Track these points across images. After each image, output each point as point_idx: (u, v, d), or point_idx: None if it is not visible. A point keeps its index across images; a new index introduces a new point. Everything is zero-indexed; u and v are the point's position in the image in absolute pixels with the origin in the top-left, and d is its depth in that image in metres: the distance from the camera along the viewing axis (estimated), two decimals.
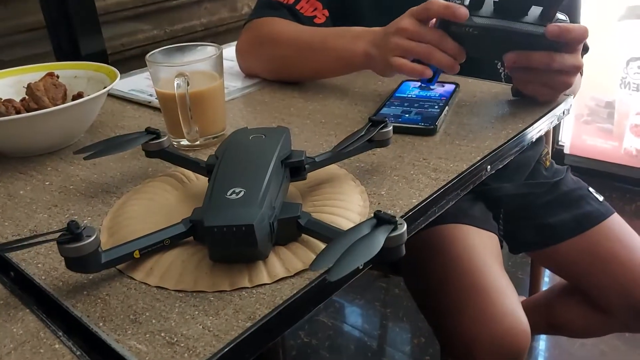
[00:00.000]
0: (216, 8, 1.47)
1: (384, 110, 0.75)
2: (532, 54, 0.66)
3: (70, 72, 0.79)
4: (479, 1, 0.64)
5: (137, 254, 0.45)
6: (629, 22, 1.85)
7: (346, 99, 0.82)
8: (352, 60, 0.77)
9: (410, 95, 0.79)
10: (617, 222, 0.96)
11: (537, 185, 1.02)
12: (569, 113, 0.78)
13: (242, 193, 0.44)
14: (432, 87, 0.79)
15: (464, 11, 0.63)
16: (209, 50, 0.69)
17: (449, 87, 0.80)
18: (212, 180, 0.47)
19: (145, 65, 0.69)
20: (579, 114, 2.05)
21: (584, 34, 0.63)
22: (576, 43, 0.64)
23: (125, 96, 0.87)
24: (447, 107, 0.74)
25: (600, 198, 1.00)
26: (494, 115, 0.74)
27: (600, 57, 1.93)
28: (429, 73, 0.69)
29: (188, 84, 0.63)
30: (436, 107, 0.74)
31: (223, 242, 0.42)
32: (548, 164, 1.08)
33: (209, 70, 0.68)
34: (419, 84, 0.82)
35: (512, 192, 1.01)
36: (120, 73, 0.76)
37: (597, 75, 1.96)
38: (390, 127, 0.59)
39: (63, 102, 0.75)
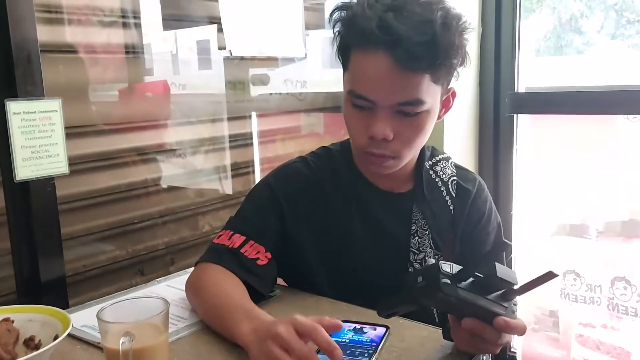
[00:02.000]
0: (178, 227, 1.58)
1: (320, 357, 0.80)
2: (486, 328, 0.75)
3: (25, 316, 0.84)
4: (464, 276, 0.73)
5: None
6: (560, 238, 2.03)
7: None
8: (235, 339, 0.82)
9: (343, 340, 0.85)
10: None
11: None
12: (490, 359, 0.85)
13: None
14: None
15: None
16: (157, 305, 0.76)
17: (380, 331, 0.87)
18: None
19: (104, 295, 0.75)
20: (527, 321, 2.13)
21: (522, 331, 0.76)
22: (515, 333, 0.76)
23: (77, 334, 0.91)
24: (375, 356, 0.80)
25: None
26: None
27: (539, 269, 2.07)
28: None
29: (132, 340, 0.69)
30: (366, 354, 0.80)
31: None
32: None
33: (156, 323, 0.74)
34: (353, 326, 0.89)
35: None
36: (80, 293, 0.82)
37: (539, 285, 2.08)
38: None
39: (14, 348, 0.79)
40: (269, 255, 1.01)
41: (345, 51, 0.96)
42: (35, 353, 0.71)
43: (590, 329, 1.99)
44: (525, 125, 2.07)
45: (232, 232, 1.02)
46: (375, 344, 0.83)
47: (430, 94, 0.93)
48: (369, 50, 0.90)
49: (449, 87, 0.99)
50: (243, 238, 1.01)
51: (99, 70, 1.45)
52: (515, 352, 2.17)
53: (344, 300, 1.02)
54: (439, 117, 1.00)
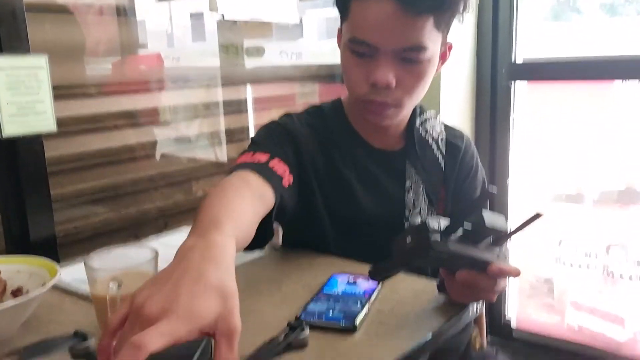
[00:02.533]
0: (171, 192, 1.57)
1: (311, 307, 0.79)
2: (480, 277, 0.74)
3: (13, 267, 0.83)
4: (453, 229, 0.72)
5: None
6: (556, 206, 2.03)
7: (277, 295, 0.87)
8: None
9: (336, 292, 0.84)
10: None
11: None
12: (480, 312, 0.84)
13: None
14: None
15: None
16: (146, 254, 0.75)
17: (373, 283, 0.86)
18: None
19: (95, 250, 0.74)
20: (522, 288, 2.14)
21: (516, 273, 0.76)
22: (511, 276, 0.76)
23: (66, 287, 0.90)
24: (368, 305, 0.79)
25: None
26: (412, 315, 0.79)
27: (535, 237, 2.08)
28: None
29: (119, 287, 0.68)
30: (359, 304, 0.79)
31: None
32: (478, 346, 1.10)
33: (145, 271, 0.73)
34: (347, 278, 0.89)
35: None
36: (72, 255, 0.81)
37: (534, 252, 2.09)
38: (307, 332, 0.64)
39: (1, 298, 0.78)
40: (291, 179, 0.91)
41: (345, 0, 0.94)
42: (20, 299, 0.70)
43: (585, 295, 2.00)
44: (523, 94, 2.05)
45: (252, 153, 0.91)
46: (368, 295, 0.83)
47: (432, 40, 0.91)
48: None
49: (447, 40, 0.98)
50: (267, 155, 0.90)
51: (90, 31, 1.42)
52: (510, 319, 2.18)
53: (345, 253, 1.01)
54: (437, 70, 0.99)
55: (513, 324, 2.16)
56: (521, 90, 2.05)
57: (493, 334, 2.22)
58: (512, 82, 2.04)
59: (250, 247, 0.76)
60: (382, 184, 1.05)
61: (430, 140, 1.09)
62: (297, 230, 1.06)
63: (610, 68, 1.85)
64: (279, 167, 0.90)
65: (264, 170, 0.85)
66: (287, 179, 0.90)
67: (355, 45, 0.92)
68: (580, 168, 1.96)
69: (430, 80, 0.97)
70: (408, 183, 1.05)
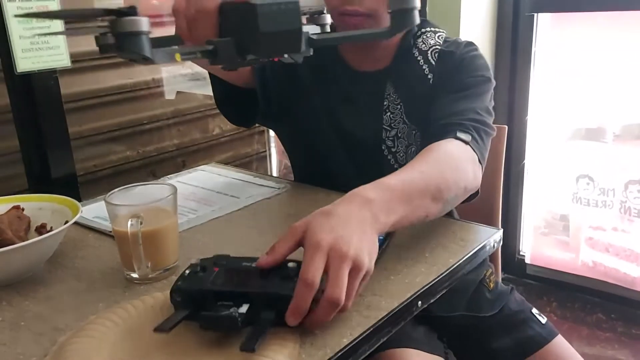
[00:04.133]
0: (188, 129, 1.57)
1: None
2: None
3: (35, 205, 0.84)
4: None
5: None
6: (575, 143, 1.99)
7: None
8: None
9: None
10: (559, 345, 1.00)
11: (479, 309, 1.04)
12: (498, 246, 0.85)
13: None
14: None
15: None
16: (165, 190, 0.75)
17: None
18: None
19: (115, 188, 0.75)
20: (537, 225, 2.15)
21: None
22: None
23: (88, 224, 0.92)
24: (387, 239, 0.80)
25: (543, 320, 1.04)
26: (430, 248, 0.80)
27: (552, 174, 2.06)
28: None
29: (141, 224, 0.69)
30: (381, 237, 0.80)
31: None
32: (492, 285, 1.08)
33: (164, 207, 0.74)
34: None
35: (454, 319, 1.03)
36: (92, 194, 0.82)
37: (551, 189, 2.08)
38: None
39: (26, 234, 0.80)
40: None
41: None
42: (46, 235, 0.72)
43: (600, 231, 2.00)
44: (545, 26, 1.98)
45: None
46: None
47: None
48: None
49: None
50: None
51: None
52: (524, 255, 2.20)
53: (328, 172, 1.05)
54: None
55: (527, 260, 2.18)
56: (544, 22, 1.97)
57: (507, 271, 2.25)
58: (535, 14, 1.97)
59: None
60: (360, 105, 1.05)
61: (417, 53, 1.03)
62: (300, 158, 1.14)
63: None
64: None
65: None
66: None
67: None
68: (602, 102, 1.91)
69: None
70: (385, 103, 1.02)
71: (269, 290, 0.61)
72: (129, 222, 0.68)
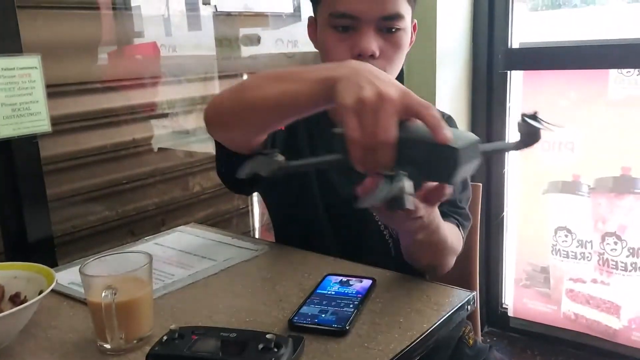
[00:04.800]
0: (168, 188, 1.57)
1: (304, 309, 0.80)
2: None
3: (10, 273, 0.84)
4: None
5: None
6: (552, 196, 2.03)
7: (273, 295, 0.88)
8: (312, 85, 0.71)
9: (329, 292, 0.85)
10: None
11: None
12: (473, 308, 0.86)
13: None
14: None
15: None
16: (140, 259, 0.76)
17: (366, 283, 0.88)
18: None
19: (93, 253, 0.75)
20: (518, 278, 2.16)
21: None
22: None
23: (63, 291, 0.91)
24: (361, 306, 0.80)
25: None
26: (404, 313, 0.80)
27: (531, 226, 2.09)
28: None
29: (115, 294, 0.69)
30: (351, 305, 0.80)
31: None
32: (471, 342, 1.10)
33: (140, 277, 0.74)
34: (339, 279, 0.89)
35: None
36: (71, 254, 0.82)
37: (531, 241, 2.10)
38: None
39: (0, 303, 0.79)
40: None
41: None
42: (19, 307, 0.71)
43: (580, 284, 2.01)
44: (518, 82, 2.05)
45: None
46: (360, 296, 0.84)
47: (405, 11, 0.96)
48: None
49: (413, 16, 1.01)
50: None
51: (82, 26, 1.42)
52: (507, 308, 2.20)
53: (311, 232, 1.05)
54: (410, 44, 1.01)
55: (510, 313, 2.18)
56: (517, 78, 2.05)
57: (490, 324, 2.24)
58: (509, 72, 2.04)
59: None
60: (353, 173, 1.05)
61: None
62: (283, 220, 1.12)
63: (607, 54, 1.84)
64: None
65: None
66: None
67: (335, 20, 0.94)
68: (575, 156, 1.96)
69: (406, 53, 1.00)
70: None
71: None
72: (103, 293, 0.68)
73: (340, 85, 0.65)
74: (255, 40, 1.90)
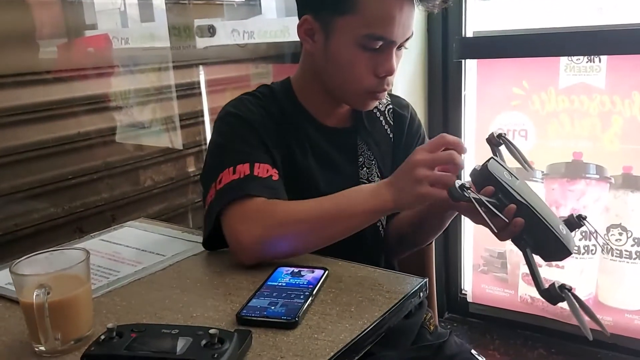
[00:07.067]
0: (118, 182, 1.52)
1: (253, 302, 0.78)
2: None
3: None
4: None
5: None
6: None
7: (221, 288, 0.86)
8: (383, 210, 0.91)
9: (280, 284, 0.83)
10: None
11: (421, 349, 1.05)
12: (425, 295, 0.85)
13: None
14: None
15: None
16: (77, 256, 0.72)
17: (318, 273, 0.86)
18: None
19: (34, 251, 0.71)
20: (476, 264, 2.18)
21: None
22: None
23: (0, 292, 0.86)
24: (311, 297, 0.79)
25: None
26: (356, 303, 0.79)
27: None
28: (452, 178, 0.82)
29: (49, 294, 0.65)
30: (302, 296, 0.79)
31: None
32: (432, 328, 1.12)
33: (76, 274, 0.70)
34: (290, 270, 0.87)
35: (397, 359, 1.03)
36: (14, 254, 0.77)
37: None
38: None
39: None
40: (275, 170, 0.96)
41: None
42: None
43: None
44: (472, 71, 2.06)
45: (231, 168, 0.93)
46: (312, 286, 0.82)
47: None
48: None
49: None
50: (247, 164, 0.93)
51: (24, 16, 1.35)
52: (466, 294, 2.22)
53: None
54: None
55: (469, 299, 2.21)
56: (471, 67, 2.06)
57: (451, 310, 2.26)
58: (463, 60, 2.05)
59: None
60: (335, 162, 1.06)
61: (378, 113, 1.12)
62: None
63: (558, 42, 1.87)
64: (262, 170, 0.94)
65: (257, 185, 0.92)
66: (274, 174, 0.95)
67: (370, 42, 0.94)
68: (529, 143, 1.99)
69: None
70: (361, 159, 1.08)
71: (188, 357, 0.60)
72: (35, 293, 0.64)
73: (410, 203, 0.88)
74: (209, 30, 1.85)
